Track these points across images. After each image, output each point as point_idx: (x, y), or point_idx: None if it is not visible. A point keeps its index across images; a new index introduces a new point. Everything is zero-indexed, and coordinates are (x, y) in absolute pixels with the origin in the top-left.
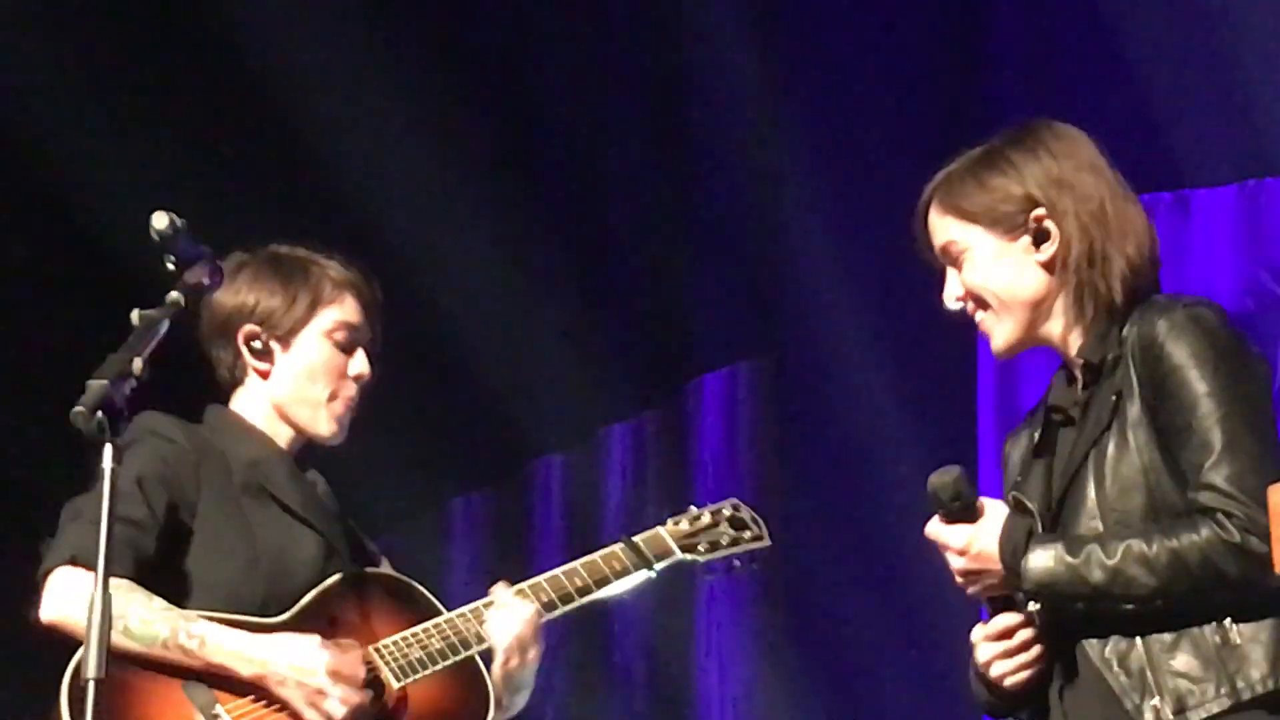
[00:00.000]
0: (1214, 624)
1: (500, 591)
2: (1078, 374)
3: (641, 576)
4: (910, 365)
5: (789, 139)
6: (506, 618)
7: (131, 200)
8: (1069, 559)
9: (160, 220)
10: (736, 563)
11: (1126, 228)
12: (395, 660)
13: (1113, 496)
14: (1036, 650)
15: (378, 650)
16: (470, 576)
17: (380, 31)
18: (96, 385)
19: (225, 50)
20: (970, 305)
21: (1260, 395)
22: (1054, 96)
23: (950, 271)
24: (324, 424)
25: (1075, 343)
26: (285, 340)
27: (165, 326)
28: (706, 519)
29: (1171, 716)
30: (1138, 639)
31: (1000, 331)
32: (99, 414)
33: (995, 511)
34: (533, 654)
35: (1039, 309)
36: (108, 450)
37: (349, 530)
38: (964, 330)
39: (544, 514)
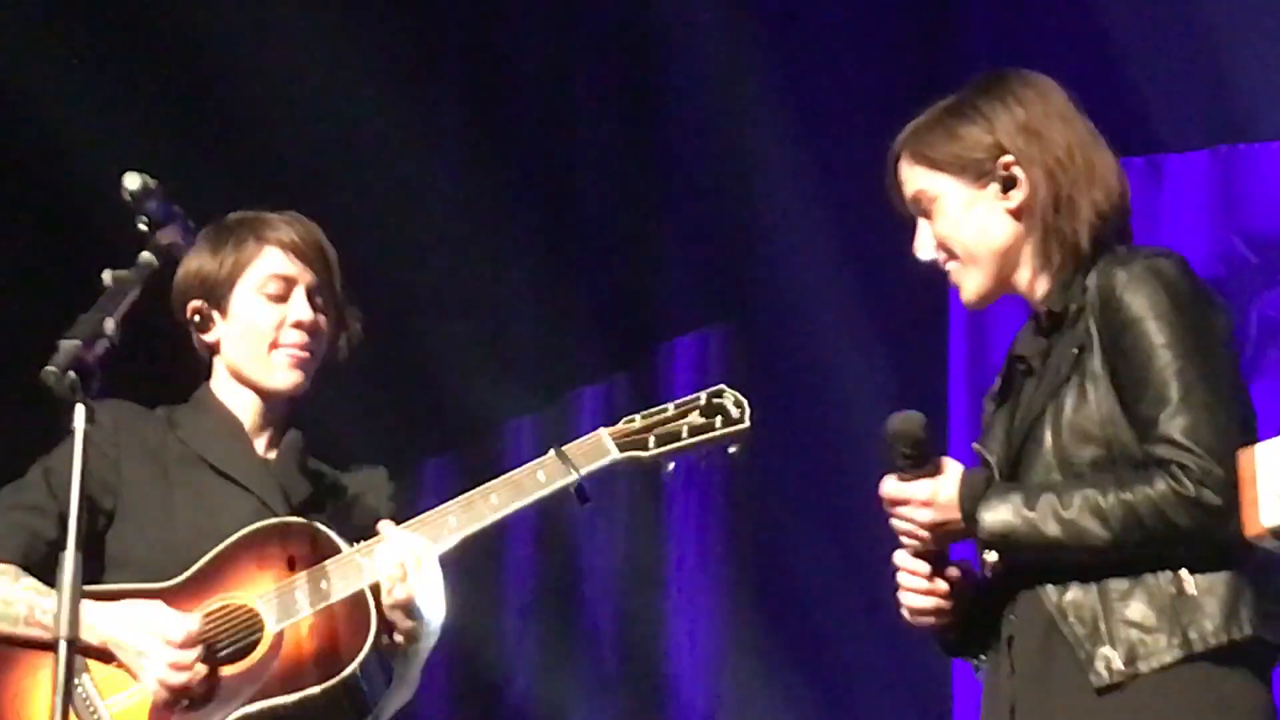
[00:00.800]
0: (1169, 574)
1: (385, 527)
2: (1043, 325)
3: (565, 482)
4: (881, 326)
5: (759, 102)
6: (389, 550)
7: (97, 158)
8: (1025, 511)
9: (132, 181)
10: (702, 454)
11: (1094, 175)
12: (278, 605)
13: (1070, 448)
14: (934, 604)
15: (264, 598)
16: None
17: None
18: (68, 345)
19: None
20: (942, 256)
21: (1218, 346)
22: (1026, 61)
23: (921, 222)
24: (275, 376)
25: (1041, 290)
26: (221, 306)
27: (138, 287)
28: (669, 412)
29: (1122, 667)
30: (1094, 587)
31: (969, 281)
32: (70, 374)
33: (953, 465)
34: (420, 583)
35: (1007, 257)
36: (79, 410)
37: (324, 488)
38: (934, 290)
39: None
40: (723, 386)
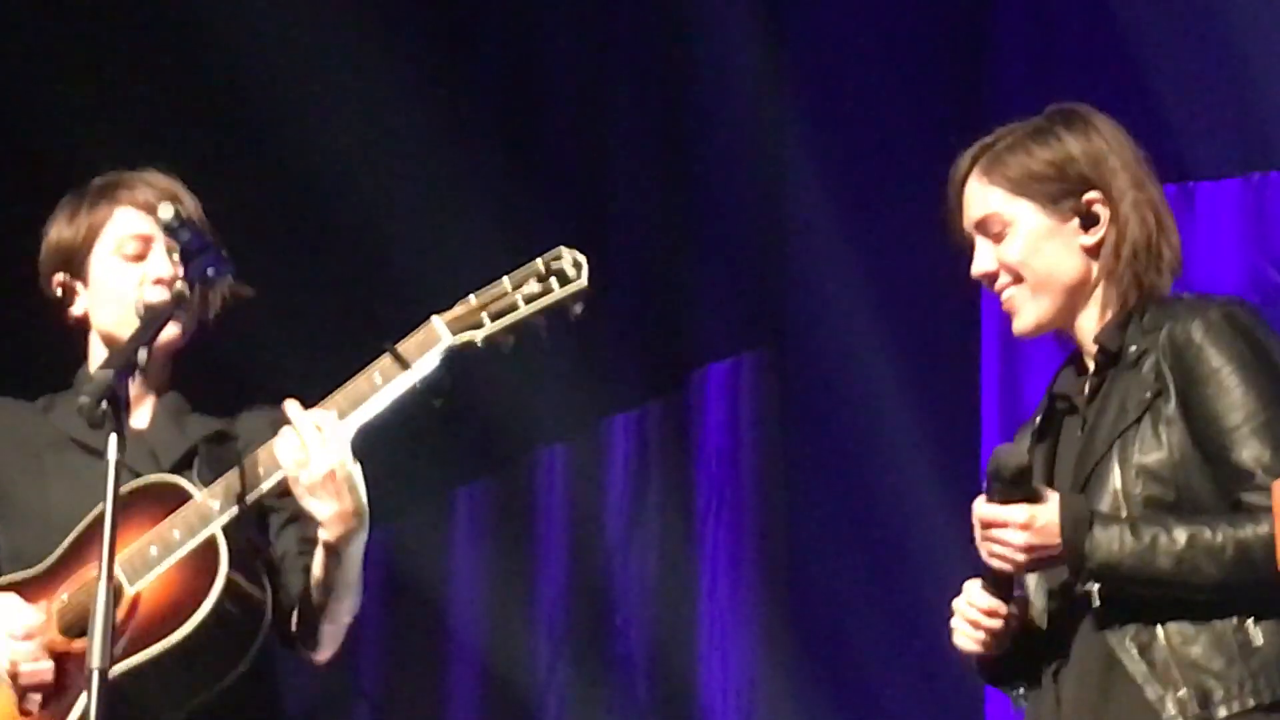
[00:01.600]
0: (1234, 623)
1: (288, 405)
2: (1088, 360)
3: (404, 384)
4: (914, 355)
5: (795, 128)
6: (288, 433)
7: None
8: (1133, 544)
9: (166, 211)
10: (540, 322)
11: (1171, 223)
12: (133, 565)
13: (1138, 489)
14: (997, 627)
15: (122, 563)
16: (473, 566)
17: (380, 16)
18: (102, 375)
19: None
20: (1002, 280)
21: None
22: (1060, 87)
23: (982, 243)
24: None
25: (1090, 328)
26: (82, 275)
27: (171, 317)
28: (503, 285)
29: (1198, 710)
30: (1159, 629)
31: (1032, 310)
32: (104, 404)
33: (1052, 493)
34: (325, 460)
35: (1074, 293)
36: (112, 440)
37: (209, 442)
38: (968, 317)
39: (547, 503)
40: (560, 247)
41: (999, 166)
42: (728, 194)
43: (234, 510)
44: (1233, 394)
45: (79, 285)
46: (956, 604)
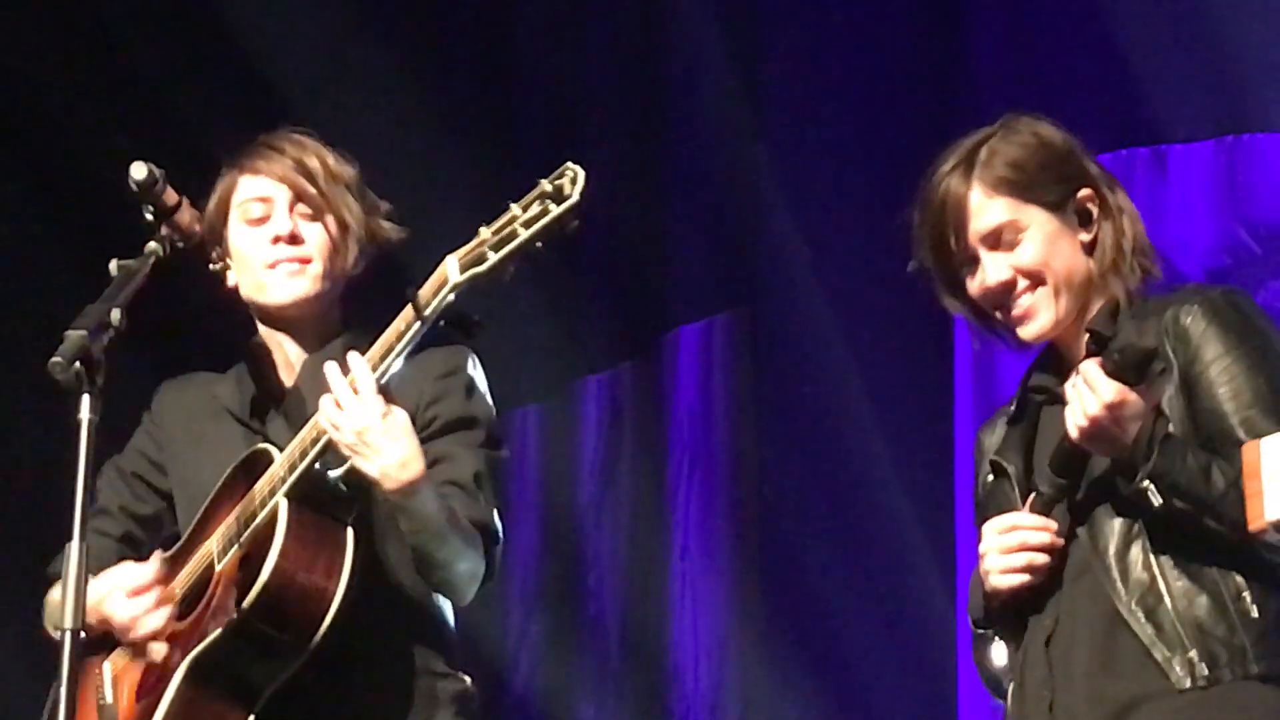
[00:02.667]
0: (1235, 593)
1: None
2: (1075, 353)
3: (416, 328)
4: (886, 316)
5: (766, 90)
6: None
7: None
8: (1194, 460)
9: (139, 170)
10: (538, 246)
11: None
12: (221, 541)
13: None
14: (1026, 563)
15: (218, 537)
16: None
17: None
18: (75, 336)
19: None
20: (1020, 285)
21: None
22: (1033, 52)
23: (991, 256)
24: (275, 293)
25: (1083, 317)
26: (225, 248)
27: (144, 277)
28: (512, 211)
29: (1205, 672)
30: (1165, 595)
31: (1050, 311)
32: (76, 364)
33: (1158, 392)
34: (358, 412)
35: (1085, 291)
36: (85, 400)
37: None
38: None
39: (519, 464)
40: (567, 164)
41: (997, 178)
42: (700, 156)
43: (294, 476)
44: (1238, 379)
45: (228, 259)
46: (990, 540)
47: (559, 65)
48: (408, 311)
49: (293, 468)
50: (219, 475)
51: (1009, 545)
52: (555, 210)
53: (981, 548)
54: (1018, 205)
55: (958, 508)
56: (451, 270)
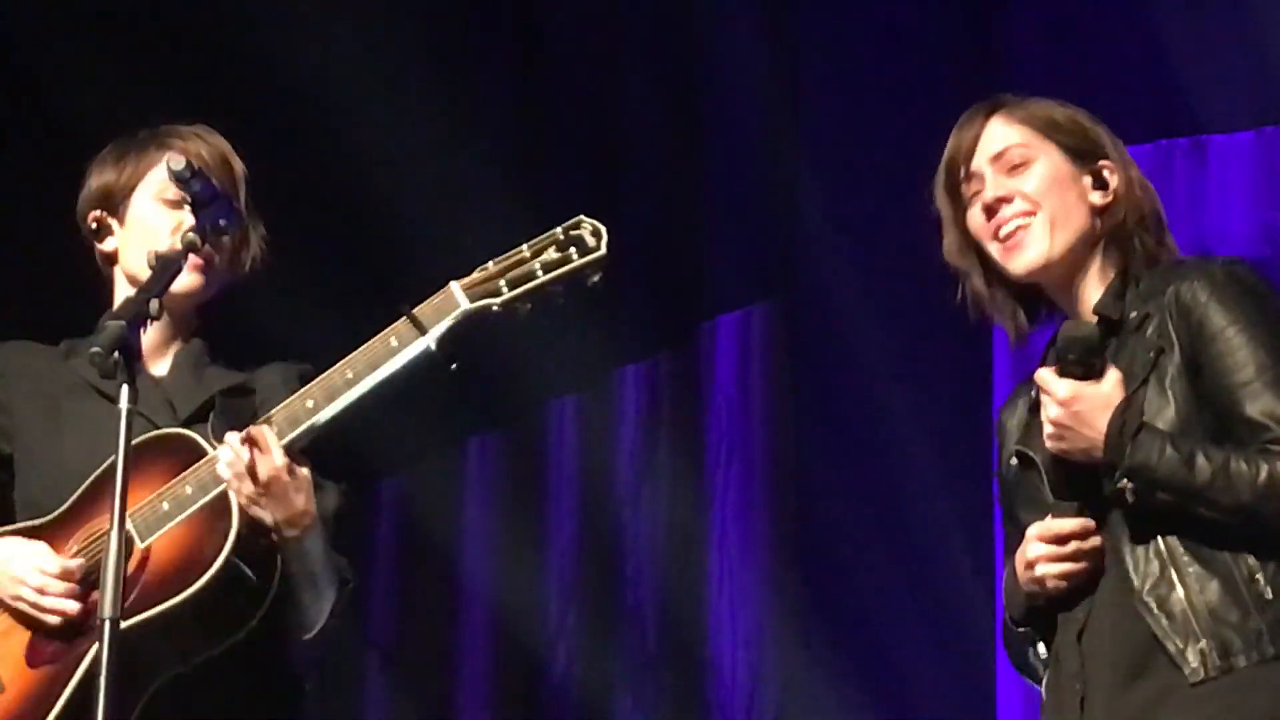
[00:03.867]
0: (1248, 575)
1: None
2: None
3: (419, 348)
4: (925, 306)
5: (803, 81)
6: (225, 452)
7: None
8: (1174, 452)
9: (176, 162)
10: (558, 290)
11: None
12: (144, 519)
13: None
14: (1082, 565)
15: (134, 516)
16: (484, 517)
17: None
18: (114, 325)
19: None
20: (1016, 207)
21: None
22: (1074, 41)
23: (993, 174)
24: (182, 278)
25: (1090, 297)
26: (119, 214)
27: (182, 267)
28: (524, 253)
29: (1218, 661)
30: (1177, 584)
31: (1041, 245)
32: (115, 354)
33: (1114, 383)
34: (265, 474)
35: (1083, 246)
36: (124, 391)
37: (226, 394)
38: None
39: (557, 455)
40: (581, 216)
41: (1025, 110)
42: (738, 145)
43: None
44: (1241, 351)
45: (114, 224)
46: (1038, 549)
47: (596, 56)
48: (402, 328)
49: (213, 483)
50: (89, 451)
51: (1064, 554)
52: (579, 260)
53: (1030, 554)
54: (1034, 136)
55: (996, 496)
56: (459, 297)
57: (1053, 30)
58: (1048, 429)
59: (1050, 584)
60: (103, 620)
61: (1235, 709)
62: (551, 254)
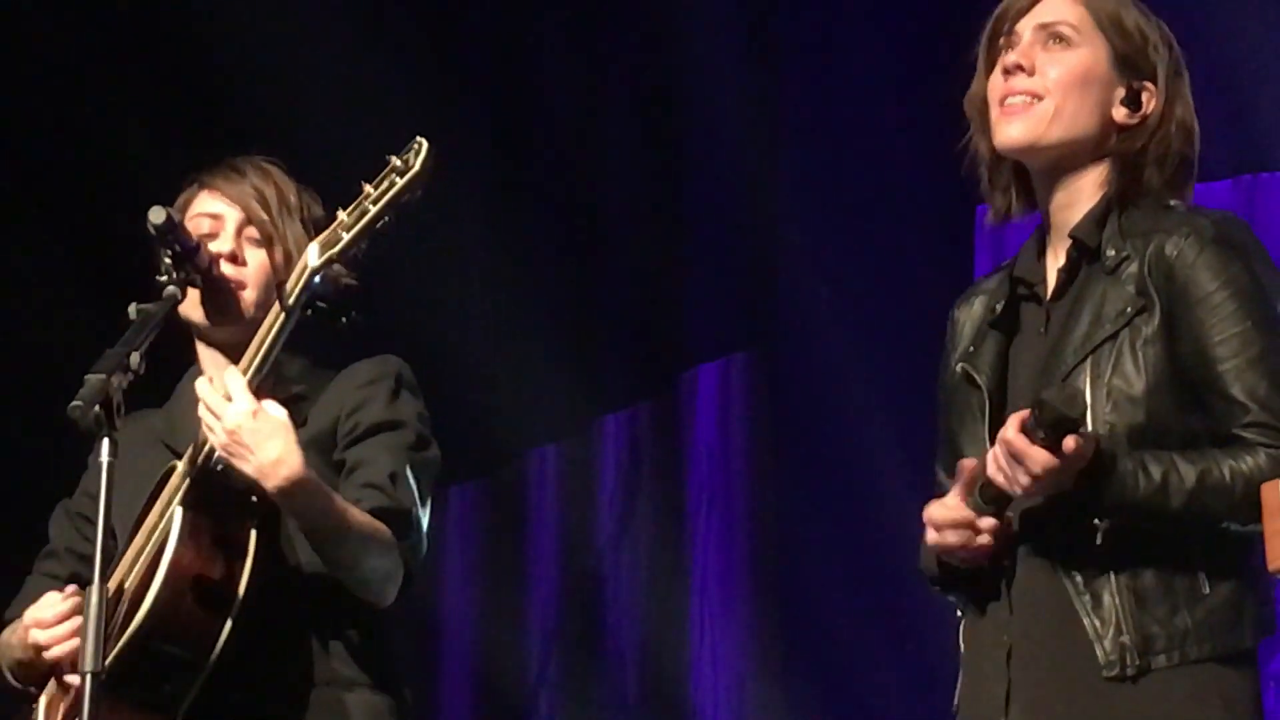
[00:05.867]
0: (1188, 571)
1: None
2: (1058, 249)
3: (283, 321)
4: (905, 358)
5: (784, 129)
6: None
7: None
8: (1147, 482)
9: (157, 215)
10: (387, 219)
11: (1195, 166)
12: (133, 557)
13: (1108, 408)
14: (989, 546)
15: (131, 553)
16: (465, 565)
17: (373, 31)
18: (94, 380)
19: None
20: (1027, 83)
21: None
22: None
23: (1032, 41)
24: (193, 314)
25: (1072, 213)
26: None
27: (162, 320)
28: (366, 190)
29: (1136, 660)
30: (1111, 571)
31: (1036, 126)
32: (96, 408)
33: (1086, 444)
34: (231, 418)
35: (1081, 149)
36: (104, 445)
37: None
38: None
39: (538, 503)
40: (416, 138)
41: (1106, 2)
42: (718, 194)
43: (185, 483)
44: (1226, 321)
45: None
46: (931, 527)
47: (574, 100)
48: (275, 308)
49: (184, 475)
50: (141, 502)
51: (981, 544)
52: (399, 182)
53: (933, 539)
54: (1090, 24)
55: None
56: (311, 255)
57: None
58: (1016, 491)
59: (961, 564)
60: (83, 674)
61: (1144, 715)
62: (384, 185)
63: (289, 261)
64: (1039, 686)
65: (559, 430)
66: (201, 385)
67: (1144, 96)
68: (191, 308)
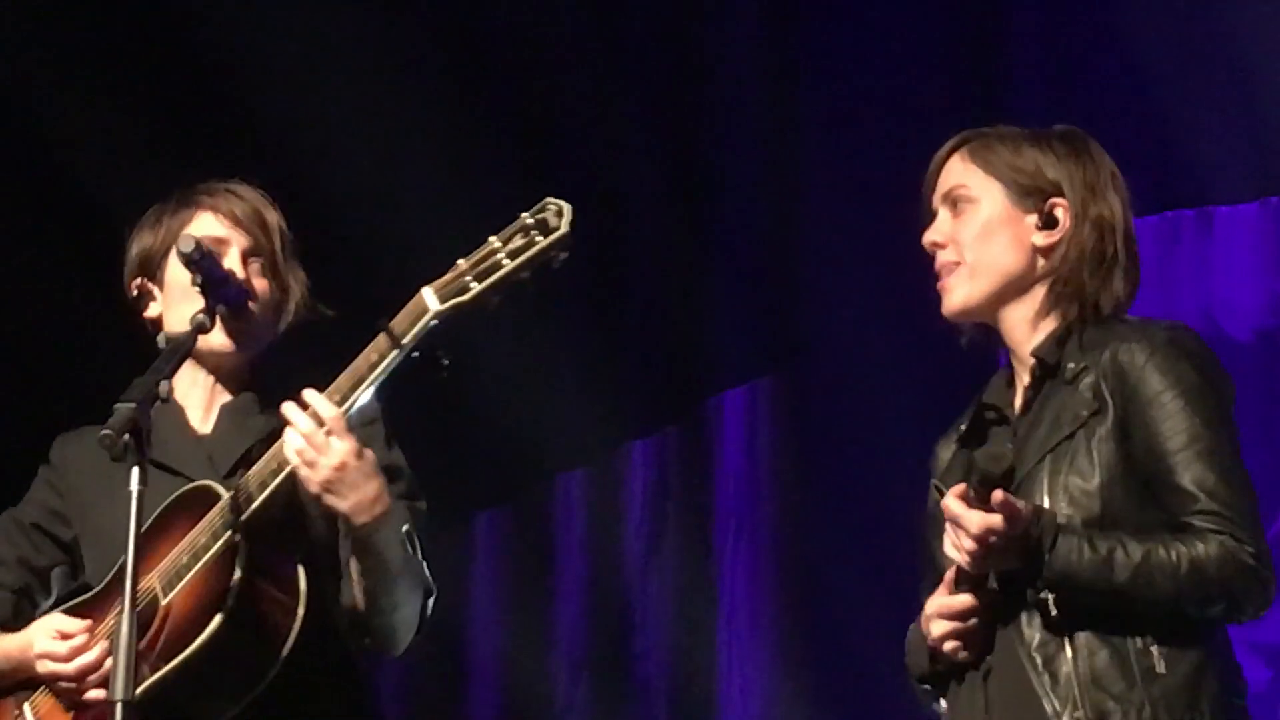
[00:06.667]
0: (1141, 646)
1: (286, 407)
2: (1022, 374)
3: (392, 358)
4: (930, 381)
5: (808, 153)
6: (290, 435)
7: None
8: (1092, 555)
9: (186, 244)
10: (525, 276)
11: (1132, 260)
12: (167, 576)
13: (1063, 505)
14: (978, 630)
15: (159, 574)
16: (493, 592)
17: (390, 37)
18: (124, 409)
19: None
20: (946, 255)
21: (1232, 420)
22: (1076, 114)
23: (943, 215)
24: (213, 338)
25: (1031, 338)
26: (157, 278)
27: (191, 348)
28: (493, 244)
29: None
30: (1066, 644)
31: (962, 290)
32: (126, 436)
33: (1021, 507)
34: (333, 456)
35: (1010, 286)
36: (134, 473)
37: (268, 449)
38: (985, 347)
39: (566, 529)
40: (548, 199)
41: (984, 150)
42: (742, 219)
43: (252, 509)
44: (1175, 418)
45: (155, 289)
46: (933, 629)
47: (598, 124)
48: (381, 342)
49: (249, 501)
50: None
51: (965, 629)
52: (542, 242)
53: (934, 633)
54: (982, 177)
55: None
56: (430, 300)
57: (1056, 102)
58: (964, 560)
59: (956, 654)
60: (113, 703)
61: None
62: (517, 241)
63: (286, 293)
64: None
65: (586, 456)
66: (300, 419)
67: (1057, 213)
68: (214, 335)
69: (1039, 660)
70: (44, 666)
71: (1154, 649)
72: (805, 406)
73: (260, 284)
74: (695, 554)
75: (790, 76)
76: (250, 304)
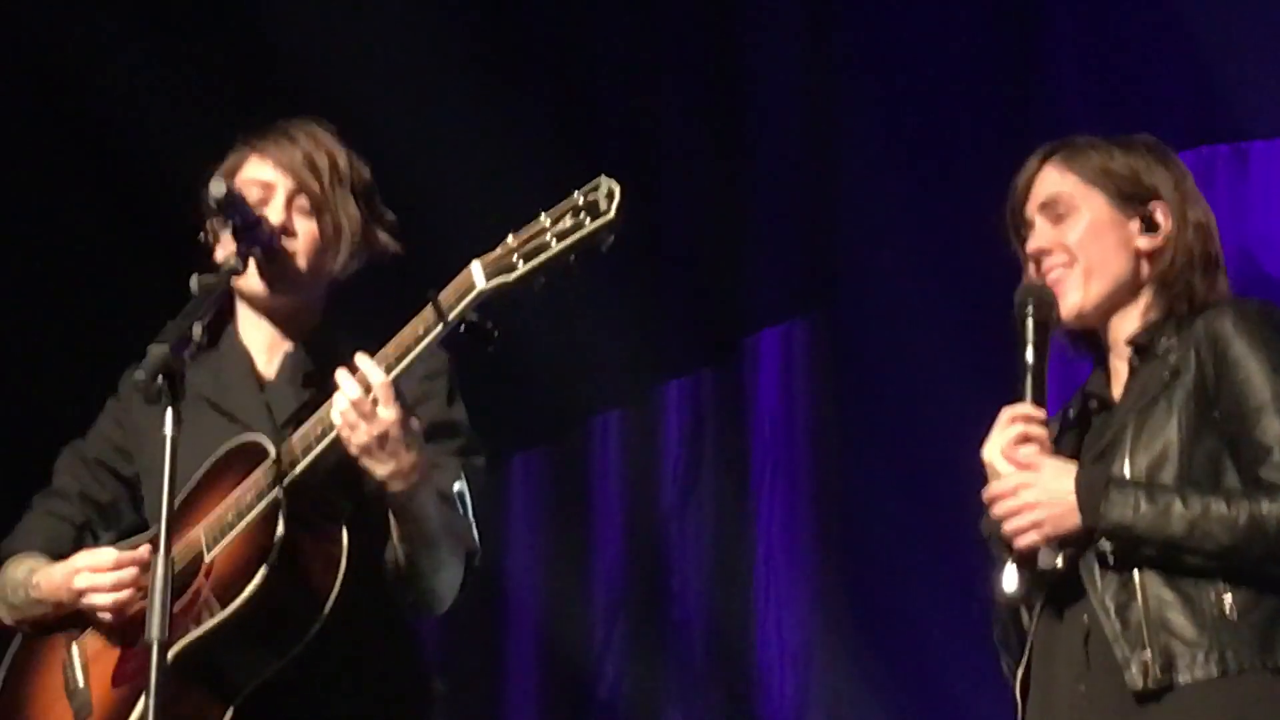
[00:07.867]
0: (1213, 594)
1: (340, 373)
2: (1120, 362)
3: (440, 332)
4: (968, 317)
5: (847, 92)
6: (339, 397)
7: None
8: (1149, 506)
9: (218, 187)
10: (571, 259)
11: (1222, 263)
12: (213, 530)
13: (1143, 465)
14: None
15: (207, 527)
16: (529, 533)
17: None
18: (158, 351)
19: None
20: (1055, 258)
21: None
22: (1113, 49)
23: (1042, 223)
24: (250, 279)
25: (1127, 329)
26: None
27: (223, 292)
28: (542, 223)
29: (1159, 674)
30: (1138, 591)
31: (1077, 294)
32: (160, 378)
33: (1062, 462)
34: (381, 421)
35: (1123, 289)
36: (168, 415)
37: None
38: (1021, 277)
39: (602, 470)
40: (600, 177)
41: (1079, 158)
42: (780, 158)
43: (297, 471)
44: (1258, 376)
45: (221, 232)
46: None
47: (636, 65)
48: (427, 313)
49: (293, 463)
50: (197, 464)
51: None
52: (590, 225)
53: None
54: (1081, 185)
55: None
56: (477, 276)
57: (1092, 38)
58: (1022, 522)
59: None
60: (150, 642)
61: None
62: (566, 221)
63: (338, 232)
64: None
65: (622, 397)
66: (348, 383)
67: (1158, 217)
68: (248, 278)
69: (1111, 609)
70: (87, 598)
71: (1226, 596)
72: (841, 347)
73: (305, 225)
74: (731, 494)
75: (831, 20)
76: (285, 246)
